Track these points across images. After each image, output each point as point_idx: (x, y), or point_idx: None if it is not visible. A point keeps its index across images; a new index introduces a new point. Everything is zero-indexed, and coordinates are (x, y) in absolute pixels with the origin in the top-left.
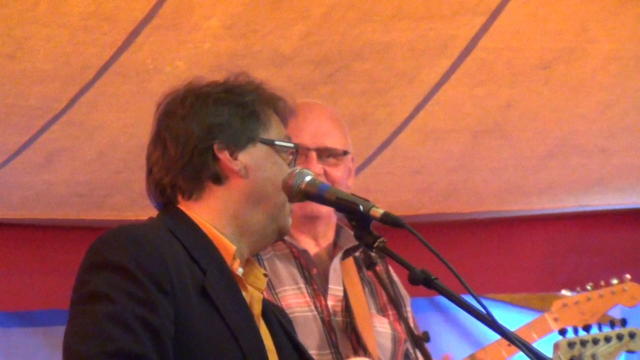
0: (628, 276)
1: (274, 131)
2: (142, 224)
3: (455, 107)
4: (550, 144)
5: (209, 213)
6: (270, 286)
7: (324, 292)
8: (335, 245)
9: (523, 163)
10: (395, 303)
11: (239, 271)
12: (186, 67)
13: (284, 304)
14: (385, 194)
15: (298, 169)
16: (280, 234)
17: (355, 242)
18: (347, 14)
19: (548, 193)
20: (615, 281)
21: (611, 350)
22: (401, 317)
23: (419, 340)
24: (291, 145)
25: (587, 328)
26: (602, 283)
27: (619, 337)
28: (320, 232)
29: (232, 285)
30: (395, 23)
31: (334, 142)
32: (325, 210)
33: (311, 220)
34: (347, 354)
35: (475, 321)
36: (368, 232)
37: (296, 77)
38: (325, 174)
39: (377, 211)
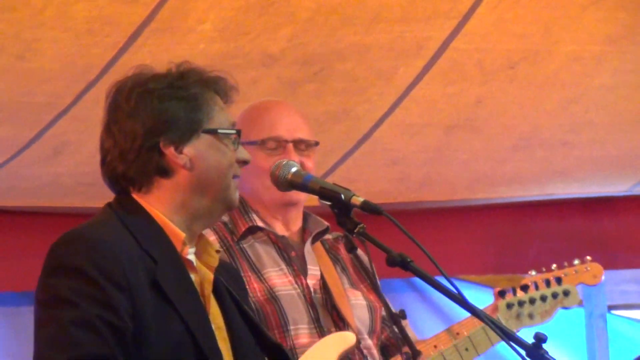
0: (589, 257)
1: (217, 119)
2: (95, 221)
3: (429, 103)
4: (517, 138)
5: (159, 203)
6: (255, 269)
7: (304, 272)
8: (304, 230)
9: (491, 155)
10: (370, 276)
11: (190, 256)
12: None
13: (270, 284)
14: (365, 183)
15: (285, 161)
16: (228, 210)
17: (322, 227)
18: (330, 18)
19: (514, 183)
20: (577, 262)
21: (547, 308)
22: (375, 287)
23: (396, 318)
24: (234, 131)
25: (524, 288)
26: (565, 264)
27: (554, 295)
28: (292, 219)
29: (182, 271)
30: (374, 26)
31: (306, 134)
32: (302, 197)
33: (287, 207)
34: (329, 328)
35: (448, 300)
36: (349, 219)
37: (283, 76)
38: (301, 164)
39: (358, 199)
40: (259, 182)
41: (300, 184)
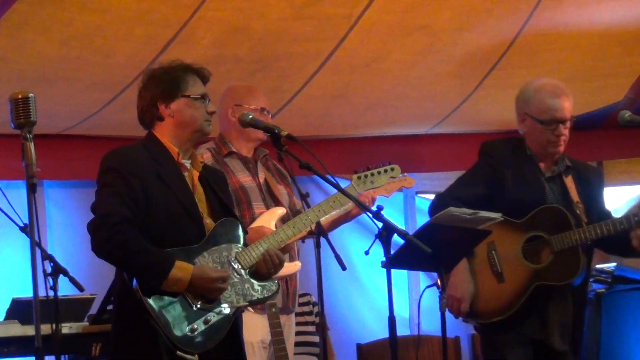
0: (406, 174)
1: (191, 89)
2: (128, 145)
3: (323, 83)
4: (368, 103)
5: (162, 135)
6: (232, 173)
7: (257, 175)
8: (254, 153)
9: (355, 112)
10: (285, 177)
11: (184, 161)
12: None
13: (241, 180)
14: (290, 125)
15: (245, 111)
16: (203, 135)
17: (264, 152)
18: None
19: (367, 126)
20: (405, 174)
21: (383, 178)
22: (289, 185)
23: (304, 197)
24: (198, 96)
25: (368, 168)
26: (399, 175)
27: (385, 171)
28: (250, 148)
29: (177, 169)
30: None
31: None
32: (255, 136)
33: (251, 141)
34: (270, 204)
35: (333, 188)
36: (280, 143)
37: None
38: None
39: (284, 132)
40: (232, 130)
41: (254, 124)
